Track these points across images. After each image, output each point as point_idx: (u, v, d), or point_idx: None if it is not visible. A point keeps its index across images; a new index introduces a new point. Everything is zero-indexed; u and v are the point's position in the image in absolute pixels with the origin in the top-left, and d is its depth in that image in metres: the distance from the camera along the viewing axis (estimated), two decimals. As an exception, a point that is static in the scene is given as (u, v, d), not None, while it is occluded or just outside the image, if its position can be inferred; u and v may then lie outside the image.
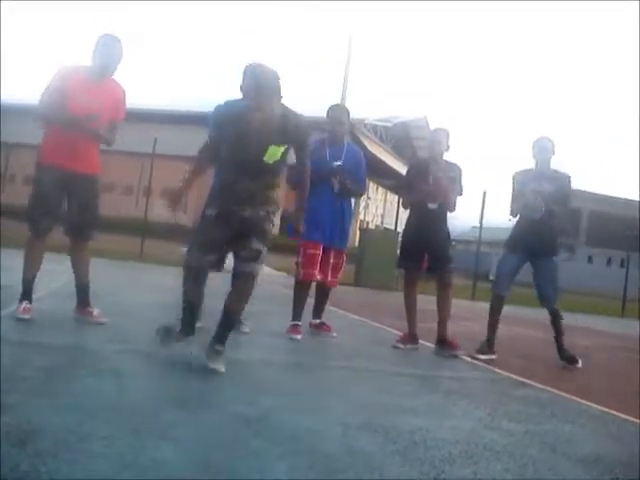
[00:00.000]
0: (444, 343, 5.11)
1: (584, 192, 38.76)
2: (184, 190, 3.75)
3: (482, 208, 14.72)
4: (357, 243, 15.39)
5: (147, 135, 15.95)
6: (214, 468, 1.98)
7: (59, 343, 3.64)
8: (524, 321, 8.30)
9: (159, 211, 16.58)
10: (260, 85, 3.52)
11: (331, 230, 5.14)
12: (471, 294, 13.69)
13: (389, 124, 35.57)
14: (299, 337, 4.91)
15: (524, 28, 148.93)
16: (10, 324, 3.92)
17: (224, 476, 1.92)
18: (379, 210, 41.56)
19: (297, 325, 5.03)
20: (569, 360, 5.22)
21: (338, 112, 5.34)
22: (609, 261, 36.37)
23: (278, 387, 3.28)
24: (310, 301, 5.34)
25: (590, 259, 37.68)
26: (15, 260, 4.27)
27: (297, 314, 5.09)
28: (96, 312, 4.35)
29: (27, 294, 4.16)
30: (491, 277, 5.41)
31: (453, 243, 5.53)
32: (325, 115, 5.38)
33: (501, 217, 5.88)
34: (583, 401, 3.80)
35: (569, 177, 5.29)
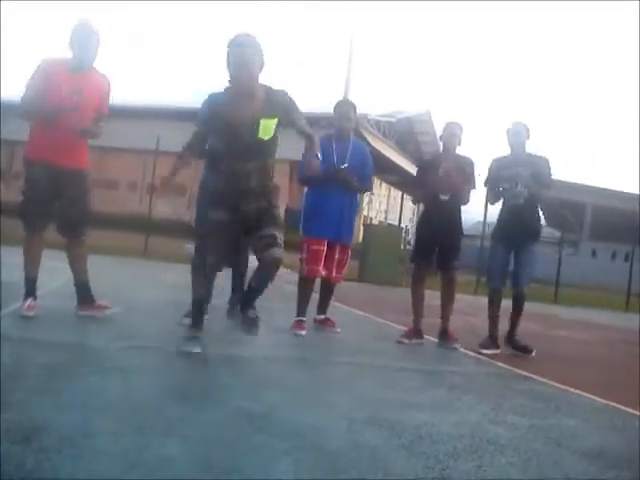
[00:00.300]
0: (445, 335, 5.20)
1: (588, 186, 38.67)
2: (171, 179, 3.86)
3: (486, 203, 14.67)
4: (361, 239, 15.39)
5: (150, 132, 15.96)
6: (218, 464, 1.99)
7: (64, 340, 3.66)
8: (527, 315, 8.28)
9: (163, 208, 16.65)
10: (235, 60, 3.48)
11: (336, 225, 5.14)
12: (474, 289, 13.68)
13: (392, 119, 35.48)
14: (304, 333, 4.92)
15: (525, 27, 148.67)
16: (14, 321, 3.94)
17: (228, 472, 1.93)
18: (383, 206, 41.52)
19: (301, 321, 5.04)
20: (522, 350, 5.14)
21: (345, 108, 5.35)
22: (613, 255, 36.24)
23: (283, 383, 3.28)
24: (314, 297, 5.35)
25: (594, 253, 37.54)
26: (17, 257, 4.28)
27: (301, 310, 5.10)
28: (106, 303, 4.36)
29: (31, 291, 4.16)
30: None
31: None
32: (331, 111, 5.40)
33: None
34: (587, 395, 3.80)
35: (547, 159, 5.25)
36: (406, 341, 5.11)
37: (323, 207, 5.10)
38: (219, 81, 4.49)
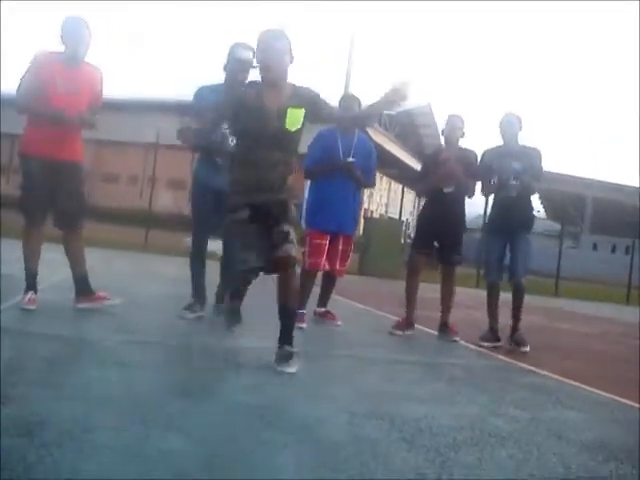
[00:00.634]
0: (445, 328, 5.21)
1: (589, 179, 38.61)
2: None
3: (486, 197, 14.65)
4: (361, 232, 15.38)
5: (150, 125, 15.93)
6: (219, 457, 1.99)
7: (64, 334, 3.65)
8: (528, 308, 8.29)
9: (164, 201, 16.65)
10: (267, 48, 3.37)
11: (339, 217, 5.14)
12: (475, 282, 13.68)
13: (393, 112, 35.41)
14: (304, 326, 4.92)
15: (526, 27, 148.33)
16: (15, 315, 3.94)
17: (230, 465, 1.93)
18: (383, 199, 41.48)
19: (302, 314, 5.04)
20: (518, 343, 5.03)
21: (350, 102, 5.35)
22: (614, 248, 36.24)
23: (282, 375, 3.28)
24: (315, 290, 5.34)
25: (595, 246, 37.54)
26: (17, 251, 4.28)
27: (302, 303, 5.10)
28: (106, 295, 4.37)
29: (31, 285, 4.17)
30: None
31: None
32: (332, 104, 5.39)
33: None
34: (588, 388, 3.81)
35: (538, 151, 5.21)
36: (399, 332, 5.12)
37: (327, 200, 5.11)
38: (223, 74, 4.52)
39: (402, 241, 15.48)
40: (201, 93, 4.51)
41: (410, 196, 30.70)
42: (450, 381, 3.66)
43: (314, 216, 5.23)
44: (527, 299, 5.29)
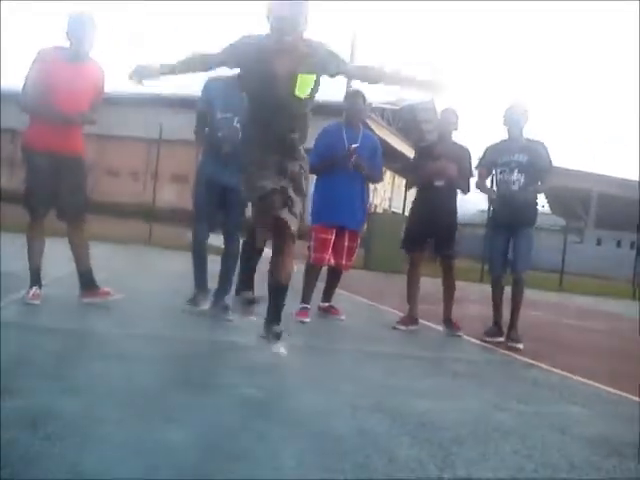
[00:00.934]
0: (448, 323, 5.21)
1: (593, 174, 38.46)
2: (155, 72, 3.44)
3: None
4: (365, 227, 15.37)
5: (153, 120, 15.94)
6: (221, 450, 1.99)
7: (68, 327, 3.67)
8: (533, 303, 8.29)
9: (166, 196, 16.66)
10: (281, 15, 3.13)
11: (345, 212, 5.14)
12: (479, 277, 13.68)
13: (396, 107, 35.35)
14: (308, 320, 4.93)
15: (526, 27, 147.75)
16: (19, 309, 3.95)
17: (232, 458, 1.93)
18: (387, 194, 41.41)
19: (306, 308, 5.05)
20: (513, 339, 4.92)
21: (355, 98, 5.35)
22: (619, 243, 36.15)
23: (286, 369, 3.28)
24: (319, 284, 5.34)
25: (599, 241, 37.45)
26: (18, 245, 4.29)
27: (306, 297, 5.10)
28: (110, 290, 4.38)
29: (35, 279, 4.18)
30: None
31: (460, 226, 5.52)
32: (336, 99, 5.40)
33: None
34: (592, 383, 3.80)
35: (544, 145, 5.11)
36: (402, 327, 5.12)
37: (333, 195, 5.11)
38: (224, 70, 4.50)
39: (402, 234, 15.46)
40: (210, 85, 4.50)
41: (414, 190, 30.60)
42: (454, 375, 3.66)
43: (320, 211, 5.23)
44: (532, 294, 5.29)
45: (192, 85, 4.77)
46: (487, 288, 5.45)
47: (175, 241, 11.42)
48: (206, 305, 4.58)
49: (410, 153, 33.83)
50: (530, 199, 5.07)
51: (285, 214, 3.24)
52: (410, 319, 5.21)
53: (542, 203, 39.19)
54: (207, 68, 3.43)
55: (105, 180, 26.06)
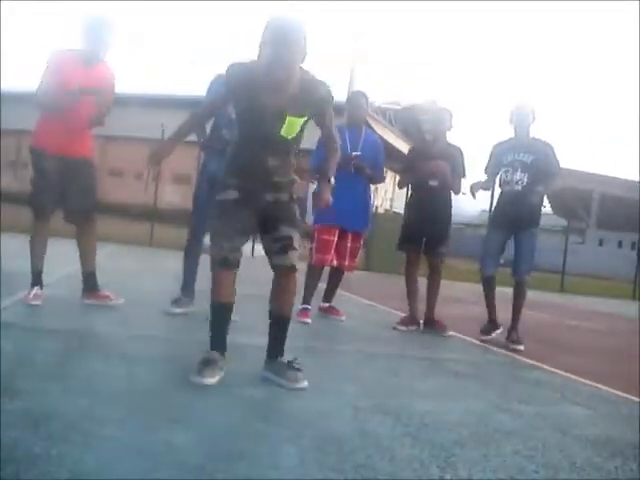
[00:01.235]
0: (431, 323, 5.18)
1: (595, 175, 38.43)
2: (168, 149, 3.28)
3: (492, 192, 14.61)
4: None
5: (155, 121, 15.94)
6: (222, 451, 1.99)
7: (69, 328, 3.66)
8: (534, 304, 8.29)
9: (169, 197, 16.67)
10: (279, 40, 2.81)
11: (348, 213, 5.14)
12: (479, 278, 13.67)
13: (398, 107, 35.36)
14: (309, 321, 4.93)
15: (526, 27, 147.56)
16: (20, 310, 3.95)
17: (233, 459, 1.93)
18: (388, 194, 41.41)
19: (307, 309, 5.05)
20: (514, 341, 4.88)
21: (358, 98, 5.35)
22: (620, 244, 36.13)
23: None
24: (320, 285, 5.35)
25: (601, 242, 37.43)
26: (19, 246, 4.30)
27: (307, 298, 5.10)
28: (111, 294, 4.38)
29: (37, 280, 4.18)
30: (502, 261, 5.31)
31: (462, 226, 5.53)
32: (344, 100, 5.39)
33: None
34: (593, 383, 3.80)
35: (551, 145, 5.04)
36: (403, 328, 5.11)
37: (335, 194, 5.10)
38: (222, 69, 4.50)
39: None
40: (218, 82, 4.49)
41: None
42: (455, 376, 3.66)
43: (322, 212, 5.22)
44: (533, 295, 5.28)
45: (194, 86, 4.76)
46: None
47: (177, 242, 11.41)
48: (190, 308, 4.50)
49: (411, 154, 33.85)
50: (534, 200, 4.96)
51: (282, 259, 3.01)
52: (411, 319, 5.21)
53: (543, 203, 39.13)
54: (209, 117, 3.51)
55: (107, 180, 26.08)
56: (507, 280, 5.21)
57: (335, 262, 5.23)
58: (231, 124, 4.23)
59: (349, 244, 5.24)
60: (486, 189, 5.26)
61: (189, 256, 4.57)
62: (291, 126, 2.98)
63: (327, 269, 5.40)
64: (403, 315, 5.36)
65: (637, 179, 36.93)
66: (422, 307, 5.27)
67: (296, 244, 3.04)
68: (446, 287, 5.37)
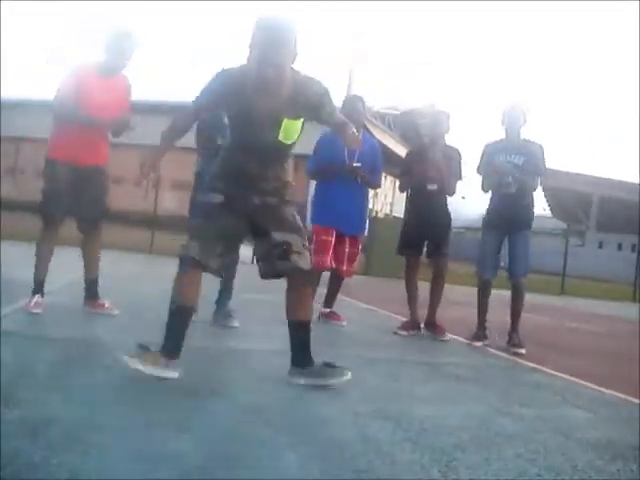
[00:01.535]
0: (432, 327, 5.17)
1: (594, 177, 38.47)
2: (157, 158, 3.24)
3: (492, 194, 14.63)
4: (367, 232, 15.37)
5: (155, 128, 15.95)
6: (224, 457, 1.99)
7: (70, 336, 3.66)
8: (535, 307, 8.28)
9: (168, 204, 16.65)
10: (267, 40, 2.72)
11: (346, 216, 5.15)
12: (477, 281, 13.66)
13: (396, 112, 35.37)
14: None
15: (526, 27, 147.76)
16: (21, 318, 3.95)
17: (235, 465, 1.93)
18: (388, 198, 41.41)
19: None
20: (515, 345, 4.84)
21: (353, 101, 5.36)
22: (620, 246, 36.11)
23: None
24: (320, 290, 5.34)
25: (601, 244, 37.41)
26: (19, 253, 4.30)
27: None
28: (107, 304, 4.38)
29: (39, 288, 4.18)
30: (502, 263, 5.31)
31: (462, 230, 5.53)
32: (340, 105, 5.40)
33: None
34: (594, 386, 3.79)
35: (541, 146, 5.04)
36: (404, 333, 5.11)
37: (333, 198, 5.13)
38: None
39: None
40: (227, 78, 4.46)
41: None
42: (456, 380, 3.65)
43: (320, 213, 5.25)
44: (533, 297, 5.27)
45: (193, 92, 4.76)
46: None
47: (176, 249, 11.40)
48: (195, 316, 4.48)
49: (410, 158, 33.82)
50: (526, 201, 4.99)
51: (285, 265, 2.94)
52: (411, 324, 5.20)
53: (543, 206, 39.18)
54: (195, 118, 3.28)
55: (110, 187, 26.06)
56: (504, 283, 5.20)
57: (333, 264, 5.22)
58: (224, 129, 4.23)
59: (347, 249, 5.24)
60: (484, 191, 5.26)
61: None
62: (289, 130, 2.91)
63: (327, 274, 5.39)
64: (404, 320, 5.36)
65: (637, 181, 36.97)
66: (422, 311, 5.26)
67: (297, 247, 2.95)
68: (445, 290, 5.35)
